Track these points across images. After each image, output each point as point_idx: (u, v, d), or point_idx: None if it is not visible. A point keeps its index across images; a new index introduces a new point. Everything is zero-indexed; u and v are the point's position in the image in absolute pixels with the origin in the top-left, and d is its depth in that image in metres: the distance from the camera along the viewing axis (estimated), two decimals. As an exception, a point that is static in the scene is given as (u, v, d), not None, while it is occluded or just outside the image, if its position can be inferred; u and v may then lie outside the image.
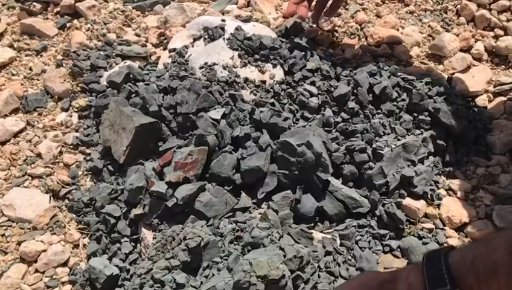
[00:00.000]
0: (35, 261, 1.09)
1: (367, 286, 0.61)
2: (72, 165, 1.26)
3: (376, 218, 1.09)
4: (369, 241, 1.07)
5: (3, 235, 1.13)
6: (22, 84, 1.45)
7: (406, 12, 1.58)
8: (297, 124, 1.18)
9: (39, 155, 1.27)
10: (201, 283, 0.91)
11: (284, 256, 0.90)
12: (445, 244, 1.06)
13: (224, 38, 1.34)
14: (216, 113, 1.16)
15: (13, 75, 1.48)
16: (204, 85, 1.21)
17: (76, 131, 1.33)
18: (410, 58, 1.43)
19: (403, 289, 0.58)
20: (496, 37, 1.47)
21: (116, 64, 1.44)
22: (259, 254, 0.90)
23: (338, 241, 1.04)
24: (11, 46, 1.56)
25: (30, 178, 1.24)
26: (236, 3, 1.63)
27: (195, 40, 1.40)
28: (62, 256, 1.09)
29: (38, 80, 1.47)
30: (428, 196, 1.13)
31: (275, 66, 1.30)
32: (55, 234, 1.14)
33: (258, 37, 1.32)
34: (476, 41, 1.46)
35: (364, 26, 1.52)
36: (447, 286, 0.53)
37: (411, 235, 1.08)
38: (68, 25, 1.62)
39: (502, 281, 0.50)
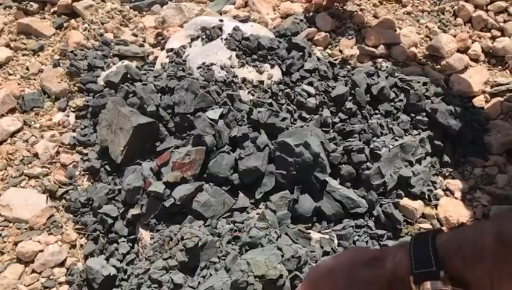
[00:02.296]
0: (32, 262, 1.08)
1: (356, 261, 0.62)
2: (69, 165, 1.26)
3: (374, 218, 1.09)
4: (366, 242, 1.07)
5: (-1, 235, 1.13)
6: (18, 84, 1.44)
7: (404, 13, 1.59)
8: (295, 124, 1.18)
9: (36, 155, 1.27)
10: (199, 283, 0.91)
11: (282, 256, 0.89)
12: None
13: (222, 39, 1.34)
14: (214, 113, 1.16)
15: (10, 74, 1.48)
16: (202, 85, 1.21)
17: (74, 131, 1.32)
18: (407, 59, 1.44)
19: (389, 267, 0.58)
20: (493, 38, 1.48)
21: (114, 64, 1.44)
22: (257, 254, 0.89)
23: (336, 242, 1.04)
24: (7, 45, 1.55)
25: (27, 178, 1.23)
26: (234, 4, 1.63)
27: (193, 40, 1.40)
28: (59, 256, 1.09)
29: (35, 79, 1.47)
30: (426, 196, 1.13)
31: (272, 66, 1.30)
32: (52, 234, 1.13)
33: (255, 38, 1.32)
34: (473, 42, 1.47)
35: (362, 27, 1.52)
36: (433, 267, 0.54)
37: (409, 235, 1.08)
38: (65, 24, 1.62)
39: (487, 266, 0.51)
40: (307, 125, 1.16)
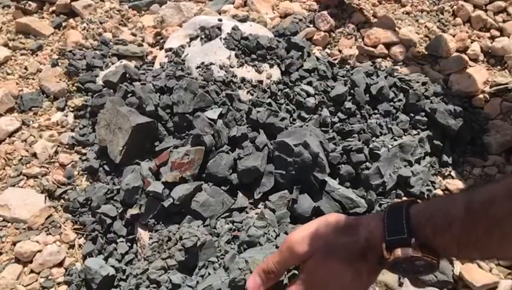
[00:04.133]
0: (31, 262, 1.08)
1: (334, 227, 0.63)
2: (67, 165, 1.25)
3: (373, 218, 1.09)
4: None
5: (-2, 235, 1.13)
6: (17, 84, 1.44)
7: (403, 13, 1.59)
8: (294, 124, 1.18)
9: (34, 155, 1.27)
10: (197, 282, 0.91)
11: (281, 256, 0.89)
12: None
13: (221, 38, 1.33)
14: (213, 113, 1.15)
15: (8, 74, 1.47)
16: (201, 85, 1.21)
17: (72, 131, 1.32)
18: (406, 58, 1.44)
19: (363, 235, 0.60)
20: (492, 37, 1.48)
21: (112, 63, 1.43)
22: (256, 253, 0.89)
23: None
24: (6, 45, 1.55)
25: (25, 178, 1.23)
26: (233, 3, 1.63)
27: (191, 39, 1.40)
28: (57, 256, 1.09)
29: (33, 79, 1.46)
30: (425, 196, 1.13)
31: (271, 66, 1.30)
32: (50, 234, 1.13)
33: (254, 37, 1.32)
34: (472, 42, 1.47)
35: (361, 27, 1.52)
36: (404, 235, 0.55)
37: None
38: (64, 24, 1.62)
39: (455, 234, 0.52)
40: (306, 125, 1.15)
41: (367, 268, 0.61)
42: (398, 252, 0.55)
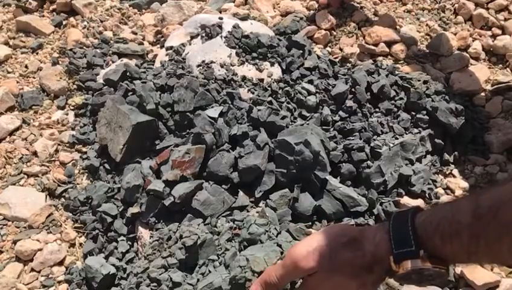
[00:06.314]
0: (31, 260, 1.08)
1: (337, 241, 0.62)
2: (68, 163, 1.25)
3: (374, 217, 1.09)
4: (367, 240, 1.06)
5: (-2, 234, 1.12)
6: (17, 82, 1.44)
7: (404, 11, 1.58)
8: (295, 122, 1.17)
9: (35, 153, 1.27)
10: (198, 280, 0.90)
11: (281, 253, 0.89)
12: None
13: (221, 37, 1.33)
14: (213, 111, 1.15)
15: (9, 72, 1.47)
16: (202, 83, 1.21)
17: (73, 129, 1.32)
18: (407, 57, 1.43)
19: (369, 249, 0.59)
20: (494, 36, 1.47)
21: (113, 62, 1.43)
22: (256, 250, 0.89)
23: (336, 240, 1.03)
24: (6, 43, 1.55)
25: (26, 177, 1.23)
26: (233, 1, 1.63)
27: (192, 38, 1.40)
28: (58, 255, 1.08)
29: (34, 77, 1.46)
30: (426, 194, 1.13)
31: (272, 64, 1.29)
32: (51, 233, 1.13)
33: (255, 35, 1.32)
34: (473, 41, 1.46)
35: (362, 25, 1.52)
36: (412, 247, 0.54)
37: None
38: (64, 22, 1.62)
39: (464, 241, 0.51)
40: (307, 124, 1.15)
41: (372, 279, 0.60)
42: (407, 264, 0.54)
